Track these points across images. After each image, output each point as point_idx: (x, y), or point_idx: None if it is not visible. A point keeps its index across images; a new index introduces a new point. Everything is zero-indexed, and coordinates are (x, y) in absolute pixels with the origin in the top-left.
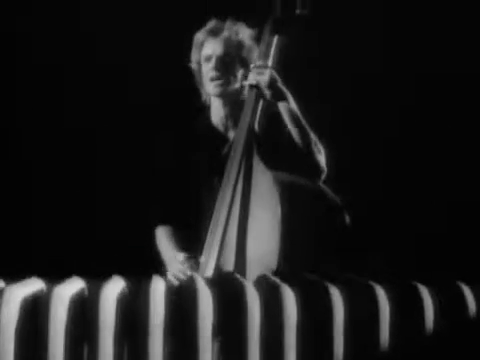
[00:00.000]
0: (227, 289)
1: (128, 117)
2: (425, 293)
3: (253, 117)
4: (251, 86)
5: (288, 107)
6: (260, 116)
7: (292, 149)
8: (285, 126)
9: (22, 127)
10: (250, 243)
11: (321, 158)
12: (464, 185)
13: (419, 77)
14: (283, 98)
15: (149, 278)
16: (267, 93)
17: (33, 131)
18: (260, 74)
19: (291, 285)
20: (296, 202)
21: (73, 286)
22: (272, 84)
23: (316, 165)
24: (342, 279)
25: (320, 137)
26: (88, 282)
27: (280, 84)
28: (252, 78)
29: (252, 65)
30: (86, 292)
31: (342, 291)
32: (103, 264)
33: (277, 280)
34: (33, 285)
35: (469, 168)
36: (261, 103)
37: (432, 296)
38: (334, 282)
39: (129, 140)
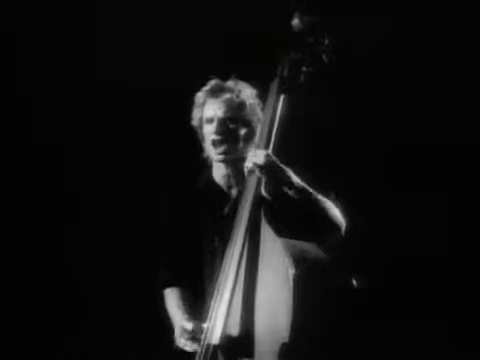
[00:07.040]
0: None
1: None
2: None
3: (258, 188)
4: (249, 171)
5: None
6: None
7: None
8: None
9: None
10: (259, 313)
11: (338, 215)
12: None
13: None
14: (281, 179)
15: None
16: (262, 178)
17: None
18: (253, 157)
19: None
20: (308, 270)
21: None
22: (266, 167)
23: (332, 223)
24: None
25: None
26: None
27: (277, 164)
28: (248, 162)
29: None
30: None
31: None
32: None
33: None
34: None
35: None
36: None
37: None
38: None
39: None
